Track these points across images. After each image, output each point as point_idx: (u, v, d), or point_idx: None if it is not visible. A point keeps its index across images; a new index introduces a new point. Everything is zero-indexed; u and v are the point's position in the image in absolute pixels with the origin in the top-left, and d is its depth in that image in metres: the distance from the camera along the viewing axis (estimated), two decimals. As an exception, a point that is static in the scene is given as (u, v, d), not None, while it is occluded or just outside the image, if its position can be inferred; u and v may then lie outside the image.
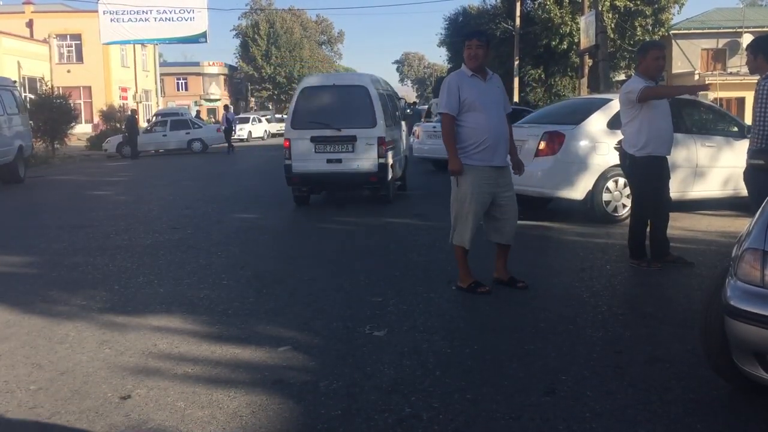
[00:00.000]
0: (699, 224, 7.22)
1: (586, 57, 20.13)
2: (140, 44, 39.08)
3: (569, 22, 26.06)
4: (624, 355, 3.42)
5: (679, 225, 6.72)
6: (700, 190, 7.53)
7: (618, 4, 26.09)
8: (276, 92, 58.16)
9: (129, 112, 26.54)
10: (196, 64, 58.52)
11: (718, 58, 31.81)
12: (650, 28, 27.00)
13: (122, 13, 34.48)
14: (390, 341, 3.70)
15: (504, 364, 3.34)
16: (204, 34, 35.60)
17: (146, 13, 34.57)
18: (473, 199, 4.53)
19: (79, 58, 37.60)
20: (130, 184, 14.19)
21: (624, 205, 7.11)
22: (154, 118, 28.68)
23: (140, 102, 39.36)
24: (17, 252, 6.62)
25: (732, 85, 25.97)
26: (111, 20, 34.49)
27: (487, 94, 4.57)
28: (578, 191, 7.14)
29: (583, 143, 7.18)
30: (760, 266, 2.58)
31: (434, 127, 13.01)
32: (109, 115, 33.06)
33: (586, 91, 19.49)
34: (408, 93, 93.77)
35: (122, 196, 11.79)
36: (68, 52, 37.89)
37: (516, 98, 27.06)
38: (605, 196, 7.14)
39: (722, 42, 31.41)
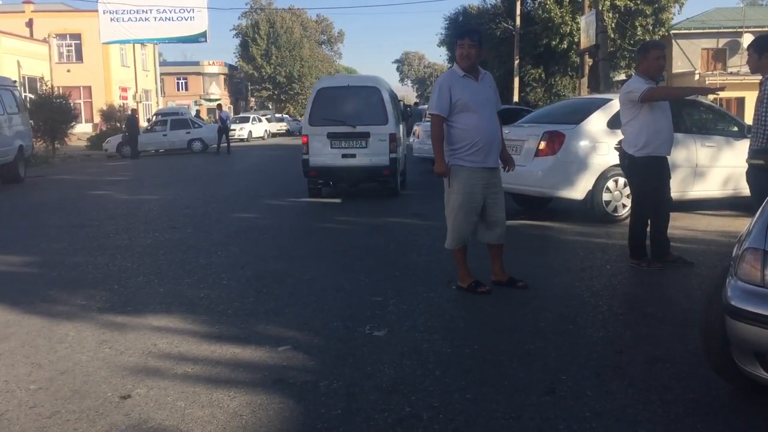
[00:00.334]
0: (699, 224, 7.22)
1: (587, 57, 20.13)
2: (140, 44, 39.06)
3: (569, 22, 26.06)
4: (624, 355, 3.42)
5: (679, 225, 6.72)
6: (699, 190, 7.52)
7: (618, 3, 26.08)
8: (276, 92, 58.13)
9: (129, 112, 26.54)
10: (196, 63, 58.51)
11: (719, 57, 31.76)
12: (650, 27, 26.99)
13: (122, 13, 34.42)
14: (390, 341, 3.70)
15: (504, 364, 3.34)
16: (204, 34, 35.56)
17: (146, 12, 34.51)
18: (466, 201, 4.51)
19: (79, 58, 37.57)
20: (130, 184, 14.19)
21: (624, 205, 7.11)
22: (155, 117, 28.67)
23: (140, 102, 39.34)
24: (17, 251, 6.62)
25: (732, 85, 25.93)
26: (111, 20, 34.43)
27: (480, 94, 4.52)
28: (578, 191, 7.14)
29: (583, 143, 7.17)
30: (760, 266, 2.58)
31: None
32: (109, 114, 33.06)
33: (586, 91, 19.49)
34: (408, 93, 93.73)
35: (122, 195, 11.79)
36: (68, 51, 37.86)
37: (516, 98, 27.07)
38: (605, 196, 7.13)
39: (722, 42, 31.36)
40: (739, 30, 29.60)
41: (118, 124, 30.09)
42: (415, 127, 15.29)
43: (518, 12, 27.56)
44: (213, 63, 58.67)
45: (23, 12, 36.96)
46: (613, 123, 6.94)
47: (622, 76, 27.74)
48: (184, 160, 21.89)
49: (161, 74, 46.80)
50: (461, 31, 5.02)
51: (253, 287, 4.96)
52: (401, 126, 11.47)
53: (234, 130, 35.30)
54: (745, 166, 4.60)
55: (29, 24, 36.37)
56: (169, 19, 34.85)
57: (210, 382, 3.20)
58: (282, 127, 43.19)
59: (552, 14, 26.50)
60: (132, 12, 34.48)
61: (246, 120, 38.35)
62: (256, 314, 4.29)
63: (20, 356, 3.62)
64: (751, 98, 4.72)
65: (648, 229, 5.32)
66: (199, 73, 57.58)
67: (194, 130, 25.67)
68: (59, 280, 5.37)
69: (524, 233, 6.69)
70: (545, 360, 3.38)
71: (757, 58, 4.50)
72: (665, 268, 5.19)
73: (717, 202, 7.85)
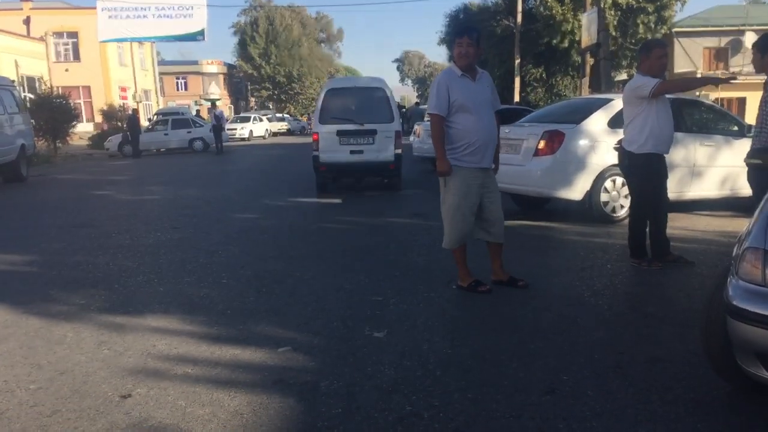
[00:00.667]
0: (698, 224, 7.21)
1: (588, 56, 20.08)
2: (137, 42, 38.96)
3: (571, 20, 25.98)
4: (625, 355, 3.42)
5: (678, 225, 6.71)
6: (697, 190, 7.50)
7: (620, 1, 26.02)
8: (276, 92, 58.07)
9: (130, 112, 26.57)
10: (195, 63, 58.40)
11: (721, 56, 31.65)
12: (652, 25, 26.91)
13: (120, 10, 34.23)
14: (390, 341, 3.70)
15: (504, 363, 3.34)
16: (202, 32, 35.40)
17: (144, 10, 34.33)
18: (463, 201, 4.51)
19: (76, 57, 37.40)
20: (131, 183, 14.20)
21: (622, 206, 7.09)
22: (156, 117, 28.70)
23: (140, 102, 39.30)
24: (18, 251, 6.62)
25: (733, 85, 25.91)
26: (109, 17, 34.27)
27: (477, 94, 4.50)
28: (576, 191, 7.11)
29: (583, 143, 7.14)
30: (761, 265, 2.57)
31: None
32: (109, 114, 33.05)
33: (587, 91, 19.44)
34: (408, 92, 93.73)
35: (124, 195, 11.80)
36: (65, 50, 37.70)
37: (517, 98, 27.03)
38: (603, 197, 7.11)
39: (724, 40, 31.24)
40: (741, 28, 29.50)
41: (120, 124, 30.10)
42: (416, 127, 15.29)
43: (519, 9, 27.49)
44: (212, 62, 58.55)
45: (21, 9, 36.78)
46: (614, 122, 6.92)
47: (624, 76, 27.68)
48: (185, 159, 21.91)
49: (160, 74, 46.73)
50: (460, 29, 4.99)
51: (253, 287, 4.96)
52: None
53: (235, 129, 35.40)
54: (744, 166, 4.59)
55: (27, 21, 36.21)
56: (168, 17, 34.64)
57: (210, 382, 3.20)
58: (283, 126, 43.50)
59: (553, 11, 26.43)
60: (130, 9, 34.35)
61: (247, 119, 38.49)
62: (256, 314, 4.28)
63: (19, 357, 3.62)
64: (751, 98, 4.68)
65: (648, 228, 5.31)
66: (198, 73, 57.49)
67: (195, 129, 25.73)
68: (60, 280, 5.37)
69: (523, 233, 6.69)
70: (545, 360, 3.38)
71: (760, 57, 4.48)
72: (666, 268, 5.18)
73: (716, 202, 7.83)
